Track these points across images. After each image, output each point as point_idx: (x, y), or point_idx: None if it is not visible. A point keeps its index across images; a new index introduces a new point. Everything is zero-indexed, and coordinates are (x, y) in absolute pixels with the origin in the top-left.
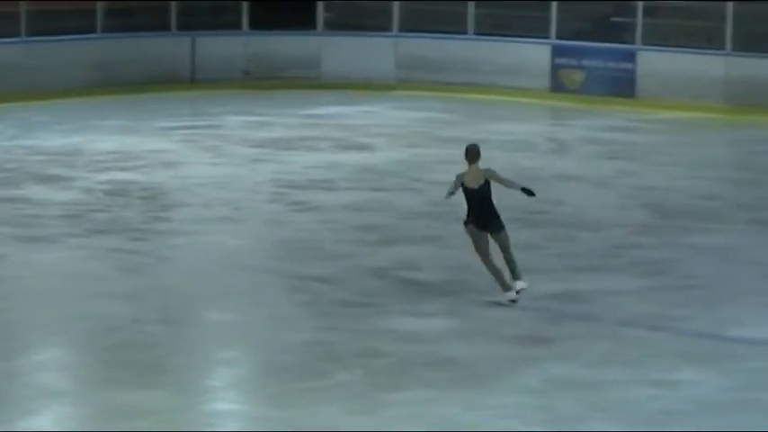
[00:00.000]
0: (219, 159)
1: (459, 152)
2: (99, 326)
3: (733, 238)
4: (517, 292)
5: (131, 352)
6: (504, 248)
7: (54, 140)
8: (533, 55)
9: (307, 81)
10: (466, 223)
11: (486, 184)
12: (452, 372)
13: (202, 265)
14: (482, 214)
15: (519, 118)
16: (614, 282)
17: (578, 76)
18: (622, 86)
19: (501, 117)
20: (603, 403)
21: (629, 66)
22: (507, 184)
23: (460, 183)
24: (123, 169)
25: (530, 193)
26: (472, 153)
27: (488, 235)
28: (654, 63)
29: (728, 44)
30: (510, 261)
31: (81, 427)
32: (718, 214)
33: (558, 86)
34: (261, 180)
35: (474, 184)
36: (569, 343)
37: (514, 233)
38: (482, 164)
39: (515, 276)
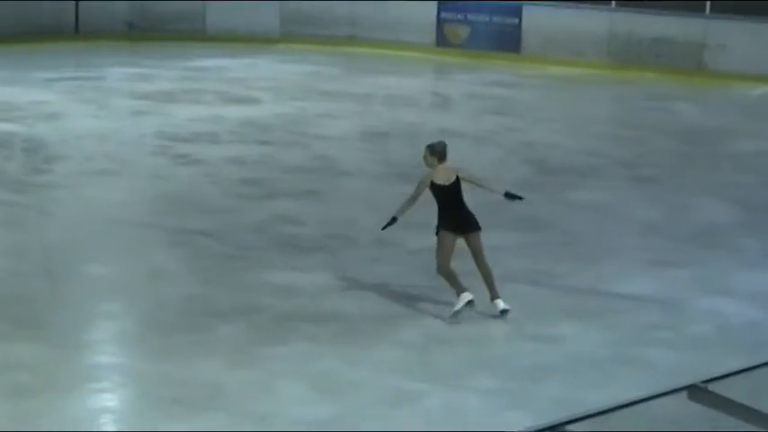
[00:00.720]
0: (102, 112)
1: (343, 106)
2: None
3: (613, 194)
4: (502, 312)
5: (10, 305)
6: (478, 253)
7: None
8: (419, 10)
9: (191, 34)
10: (438, 230)
11: (458, 181)
12: (333, 326)
13: (83, 218)
14: (458, 214)
15: (403, 73)
16: (494, 237)
17: (463, 31)
18: (507, 42)
19: (385, 72)
20: (483, 358)
21: (515, 21)
22: (485, 184)
23: (428, 183)
24: (4, 120)
25: (514, 197)
26: (441, 151)
27: (457, 240)
28: (538, 19)
29: (612, 0)
30: (488, 274)
31: None
32: (600, 171)
33: (443, 41)
34: (144, 133)
35: (445, 180)
36: (448, 297)
37: (394, 188)
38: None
39: (495, 294)
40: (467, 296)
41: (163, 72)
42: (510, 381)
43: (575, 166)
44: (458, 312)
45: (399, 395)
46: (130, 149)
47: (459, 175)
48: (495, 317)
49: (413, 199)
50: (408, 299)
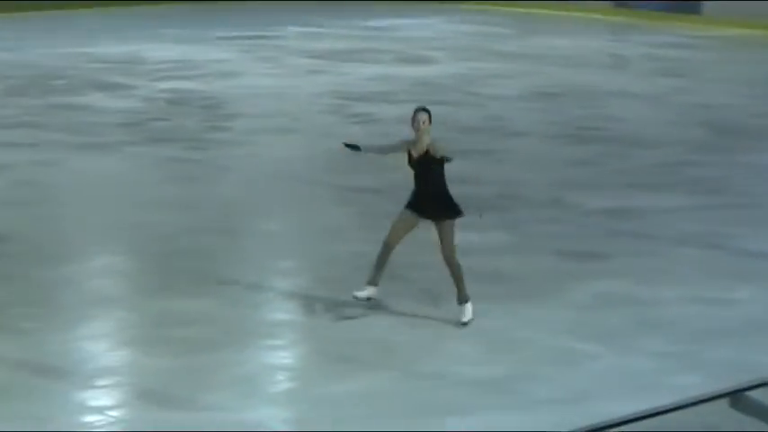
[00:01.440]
0: (278, 70)
1: (516, 66)
2: (153, 234)
3: None
4: (463, 324)
5: (185, 260)
6: (444, 246)
7: (114, 48)
8: None
9: None
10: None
11: (431, 160)
12: (503, 285)
13: (258, 175)
14: (425, 193)
15: (577, 33)
16: (669, 199)
17: None
18: (687, 3)
19: (559, 32)
20: (653, 320)
21: None
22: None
23: (405, 149)
24: (183, 78)
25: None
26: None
27: (416, 223)
28: None
29: None
30: (454, 273)
31: (136, 333)
32: None
33: (620, 2)
34: (318, 91)
35: (416, 153)
36: (621, 259)
37: (568, 149)
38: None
39: (462, 298)
40: (364, 293)
41: (338, 31)
42: (681, 343)
43: (750, 127)
44: (356, 297)
45: (569, 355)
46: (305, 108)
47: (430, 149)
48: (663, 280)
49: (385, 149)
50: (580, 259)
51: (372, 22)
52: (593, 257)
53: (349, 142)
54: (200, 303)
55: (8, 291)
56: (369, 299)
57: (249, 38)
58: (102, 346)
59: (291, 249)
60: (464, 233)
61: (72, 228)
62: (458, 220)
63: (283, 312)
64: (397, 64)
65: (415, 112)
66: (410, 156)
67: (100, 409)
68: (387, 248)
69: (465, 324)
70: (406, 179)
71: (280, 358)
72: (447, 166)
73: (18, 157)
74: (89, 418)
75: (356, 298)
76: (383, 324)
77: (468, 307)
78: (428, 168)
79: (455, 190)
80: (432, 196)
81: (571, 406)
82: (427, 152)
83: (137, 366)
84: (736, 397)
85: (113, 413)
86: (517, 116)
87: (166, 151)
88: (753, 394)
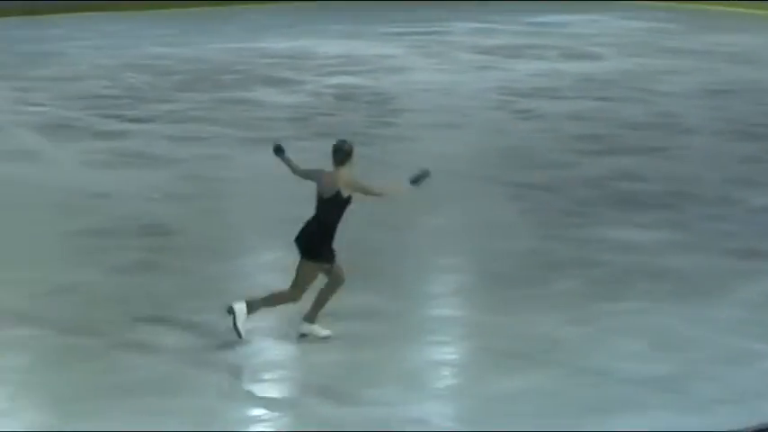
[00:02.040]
0: (445, 66)
1: (684, 62)
2: None
3: None
4: (302, 335)
5: (350, 256)
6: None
7: (282, 43)
8: None
9: None
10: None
11: (340, 200)
12: (670, 283)
13: None
14: (309, 233)
15: (748, 30)
16: None
17: None
18: None
19: (728, 29)
20: None
21: None
22: (378, 194)
23: (312, 178)
24: (350, 73)
25: (420, 177)
26: (338, 152)
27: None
28: None
29: None
30: (268, 301)
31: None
32: None
33: None
34: (485, 87)
35: (325, 192)
36: None
37: (737, 146)
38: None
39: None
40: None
41: (506, 27)
42: None
43: None
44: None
45: (738, 354)
46: (472, 103)
47: (344, 193)
48: None
49: (298, 171)
50: (748, 257)
51: (539, 18)
52: (762, 255)
53: (278, 144)
54: (366, 299)
55: (176, 284)
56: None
57: (417, 33)
58: (267, 340)
59: (458, 245)
60: (631, 231)
61: (239, 222)
62: None
63: (449, 308)
64: (564, 60)
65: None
66: (319, 195)
67: (265, 403)
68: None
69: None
70: (580, 176)
71: (445, 354)
72: (615, 163)
73: (186, 152)
74: (255, 412)
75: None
76: (549, 320)
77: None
78: (333, 208)
79: (620, 186)
80: (313, 234)
81: (740, 406)
82: (338, 192)
83: (303, 361)
84: None
85: (279, 406)
86: (686, 113)
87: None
88: None
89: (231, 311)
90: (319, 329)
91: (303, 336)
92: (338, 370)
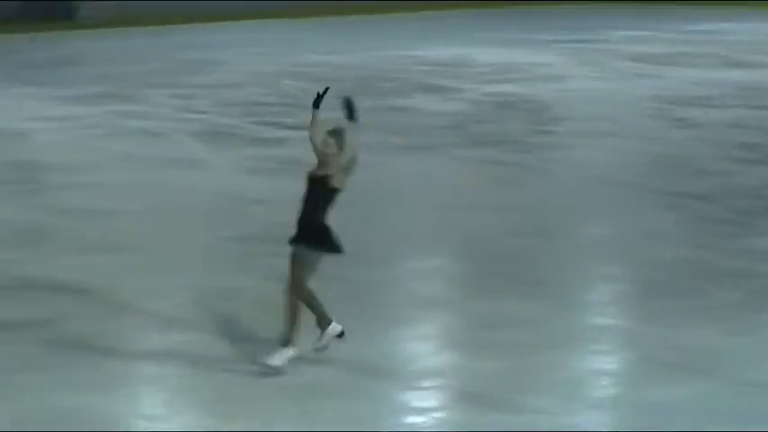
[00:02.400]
0: (601, 73)
1: None
2: (475, 236)
3: None
4: (267, 365)
5: (507, 262)
6: (291, 277)
7: (440, 51)
8: None
9: None
10: None
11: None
12: None
13: (580, 179)
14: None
15: None
16: None
17: None
18: None
19: None
20: None
21: None
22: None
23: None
24: (508, 81)
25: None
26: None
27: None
28: None
29: None
30: (290, 314)
31: (460, 335)
32: None
33: None
34: (641, 95)
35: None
36: None
37: None
38: None
39: (284, 340)
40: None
41: (663, 35)
42: None
43: None
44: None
45: None
46: (628, 111)
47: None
48: None
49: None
50: None
51: (697, 26)
52: None
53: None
54: (524, 306)
55: (334, 290)
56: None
57: (573, 41)
58: (426, 347)
59: (614, 253)
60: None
61: (396, 229)
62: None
63: (607, 317)
64: (722, 68)
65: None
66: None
67: (424, 411)
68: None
69: (270, 366)
70: (737, 185)
71: (604, 363)
72: None
73: None
74: (413, 419)
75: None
76: (707, 331)
77: (284, 352)
78: (318, 192)
79: None
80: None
81: None
82: (326, 176)
83: (461, 368)
84: None
85: (437, 415)
86: None
87: (490, 154)
88: None
89: (274, 369)
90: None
91: (319, 349)
92: (496, 378)
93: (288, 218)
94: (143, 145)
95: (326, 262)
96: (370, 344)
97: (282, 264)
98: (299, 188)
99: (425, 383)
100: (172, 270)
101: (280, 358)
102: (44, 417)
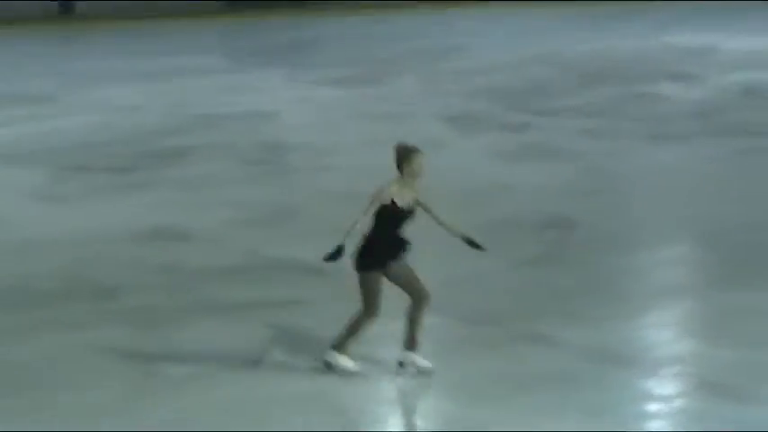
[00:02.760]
0: None
1: None
2: (718, 226)
3: None
4: (326, 364)
5: (750, 254)
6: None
7: (687, 38)
8: None
9: None
10: (365, 265)
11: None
12: None
13: None
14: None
15: None
16: None
17: None
18: None
19: None
20: None
21: None
22: (439, 220)
23: (387, 200)
24: (756, 69)
25: (474, 245)
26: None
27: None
28: None
29: None
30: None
31: (701, 324)
32: None
33: None
34: None
35: (405, 203)
36: None
37: None
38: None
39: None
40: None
41: None
42: None
43: None
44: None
45: None
46: None
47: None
48: None
49: (364, 215)
50: None
51: None
52: None
53: (327, 255)
54: (765, 298)
55: (576, 278)
56: (401, 364)
57: None
58: (666, 335)
59: None
60: None
61: (640, 217)
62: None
63: None
64: None
65: (411, 152)
66: (394, 203)
67: (663, 398)
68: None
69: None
70: None
71: None
72: None
73: (590, 146)
74: (652, 407)
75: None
76: None
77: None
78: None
79: None
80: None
81: None
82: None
83: (700, 357)
84: None
85: (676, 403)
86: None
87: (736, 143)
88: None
89: (330, 366)
90: (420, 359)
91: (401, 365)
92: (736, 367)
93: (534, 203)
94: (390, 128)
95: (571, 249)
96: (612, 331)
97: (530, 248)
98: (544, 173)
99: (664, 371)
100: (419, 253)
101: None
102: (291, 397)
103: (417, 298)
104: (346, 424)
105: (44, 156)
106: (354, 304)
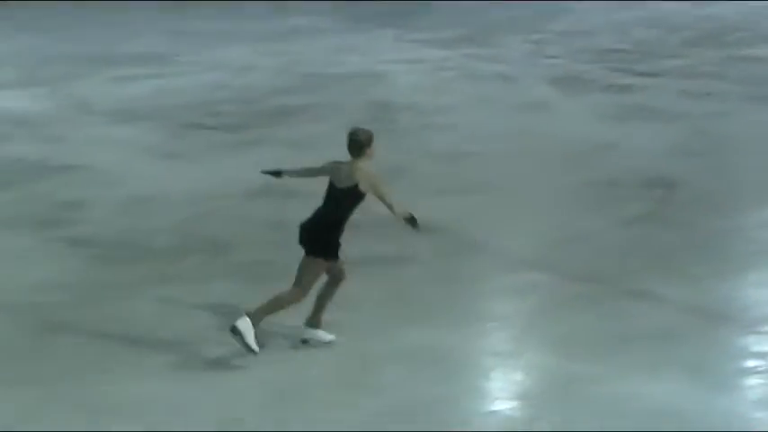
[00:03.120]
0: None
1: None
2: None
3: None
4: (233, 329)
5: None
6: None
7: None
8: None
9: None
10: (334, 254)
11: (357, 193)
12: None
13: None
14: (314, 224)
15: None
16: None
17: None
18: None
19: None
20: None
21: None
22: (387, 204)
23: (330, 173)
24: None
25: (412, 223)
26: (353, 143)
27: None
28: None
29: None
30: (268, 308)
31: None
32: None
33: None
34: None
35: (341, 182)
36: None
37: None
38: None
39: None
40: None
41: None
42: None
43: None
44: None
45: None
46: None
47: (365, 181)
48: None
49: (309, 172)
50: None
51: None
52: None
53: (267, 170)
54: None
55: (679, 237)
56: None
57: None
58: (766, 293)
59: None
60: None
61: (744, 178)
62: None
63: None
64: None
65: (372, 136)
66: (332, 184)
67: (762, 355)
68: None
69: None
70: None
71: None
72: None
73: (694, 107)
74: (751, 363)
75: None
76: None
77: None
78: (347, 201)
79: None
80: (318, 225)
81: None
82: (356, 185)
83: None
84: None
85: None
86: None
87: None
88: None
89: (236, 331)
90: (324, 334)
91: (305, 341)
92: None
93: (637, 163)
94: (497, 89)
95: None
96: (713, 289)
97: (633, 208)
98: (647, 134)
99: (764, 328)
100: (524, 212)
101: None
102: (398, 351)
103: (336, 280)
104: (451, 373)
105: (161, 114)
106: (455, 260)
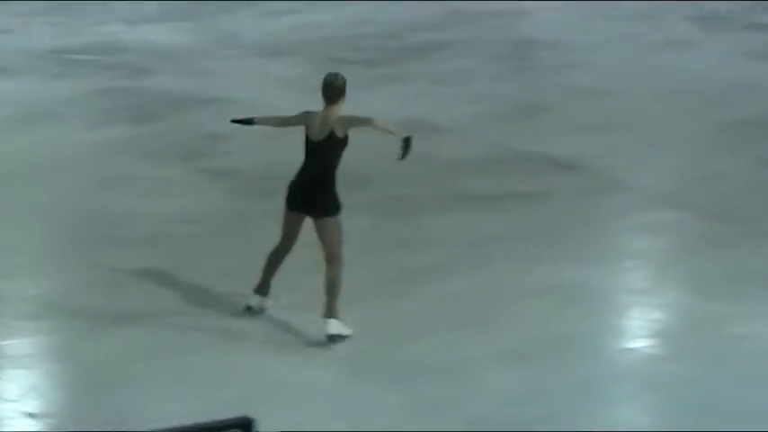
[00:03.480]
0: None
1: None
2: None
3: None
4: (330, 338)
5: None
6: (328, 246)
7: None
8: None
9: None
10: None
11: (336, 141)
12: None
13: None
14: (303, 182)
15: None
16: None
17: None
18: None
19: None
20: None
21: None
22: (381, 128)
23: (303, 123)
24: None
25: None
26: (330, 88)
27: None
28: None
29: None
30: (327, 283)
31: None
32: None
33: None
34: None
35: (317, 133)
36: None
37: None
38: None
39: (327, 312)
40: (250, 301)
41: None
42: None
43: None
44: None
45: None
46: None
47: (343, 126)
48: None
49: (279, 122)
50: None
51: None
52: None
53: (237, 118)
54: None
55: None
56: (249, 308)
57: None
58: None
59: None
60: None
61: None
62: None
63: None
64: None
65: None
66: (306, 136)
67: None
68: (278, 253)
69: (332, 338)
70: None
71: None
72: None
73: None
74: None
75: (248, 307)
76: None
77: (333, 323)
78: (332, 157)
79: None
80: (311, 184)
81: None
82: (332, 133)
83: None
84: None
85: None
86: None
87: None
88: None
89: (334, 339)
90: (269, 302)
91: (249, 309)
92: None
93: None
94: (638, 27)
95: None
96: None
97: None
98: None
99: None
100: (662, 150)
101: (333, 329)
102: (534, 287)
103: (289, 248)
104: (588, 310)
105: (304, 48)
106: (593, 197)
